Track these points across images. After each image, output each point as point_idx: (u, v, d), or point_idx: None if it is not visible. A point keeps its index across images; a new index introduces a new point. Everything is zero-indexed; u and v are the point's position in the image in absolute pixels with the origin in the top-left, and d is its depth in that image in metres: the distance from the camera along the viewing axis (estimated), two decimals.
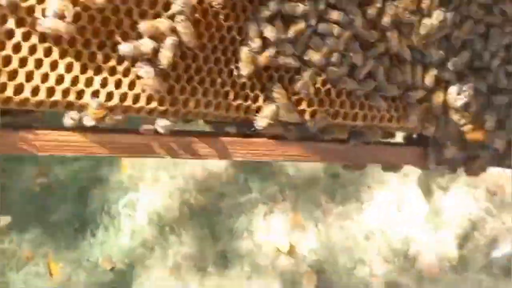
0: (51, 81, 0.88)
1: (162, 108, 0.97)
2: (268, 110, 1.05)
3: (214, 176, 2.63)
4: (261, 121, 1.04)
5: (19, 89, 0.86)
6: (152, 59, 0.92)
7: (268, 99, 1.05)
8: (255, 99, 1.05)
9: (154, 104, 0.96)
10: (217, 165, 2.63)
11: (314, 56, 1.04)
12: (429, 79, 1.17)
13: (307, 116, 1.09)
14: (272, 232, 2.54)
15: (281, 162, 2.61)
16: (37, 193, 2.54)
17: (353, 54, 1.07)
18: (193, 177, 2.62)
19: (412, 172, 2.71)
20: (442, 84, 1.20)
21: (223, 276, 2.43)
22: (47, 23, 0.84)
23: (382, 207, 2.66)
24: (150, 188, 2.57)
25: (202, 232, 2.50)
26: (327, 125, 1.12)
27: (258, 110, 1.05)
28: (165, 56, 0.92)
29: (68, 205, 2.51)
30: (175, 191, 2.58)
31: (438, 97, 1.20)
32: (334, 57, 1.05)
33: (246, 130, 1.08)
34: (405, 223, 2.63)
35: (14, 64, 0.85)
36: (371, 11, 1.06)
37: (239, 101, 1.04)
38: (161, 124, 0.97)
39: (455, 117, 1.22)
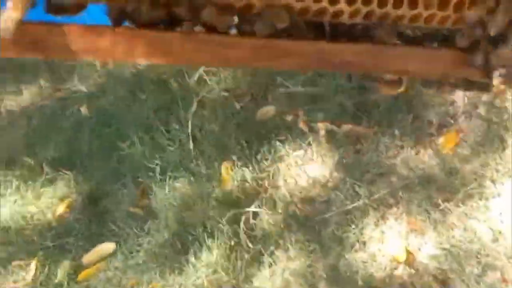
0: None
1: None
2: None
3: (318, 182, 2.46)
4: None
5: None
6: None
7: None
8: None
9: None
10: (321, 171, 2.46)
11: None
12: None
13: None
14: (386, 240, 2.33)
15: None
16: (140, 216, 2.49)
17: None
18: (296, 186, 2.47)
19: None
20: None
21: None
22: None
23: (511, 202, 2.37)
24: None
25: (310, 245, 2.34)
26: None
27: None
28: None
29: (171, 227, 2.44)
30: (278, 203, 2.44)
31: None
32: None
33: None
34: None
35: None
36: None
37: None
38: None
39: None
